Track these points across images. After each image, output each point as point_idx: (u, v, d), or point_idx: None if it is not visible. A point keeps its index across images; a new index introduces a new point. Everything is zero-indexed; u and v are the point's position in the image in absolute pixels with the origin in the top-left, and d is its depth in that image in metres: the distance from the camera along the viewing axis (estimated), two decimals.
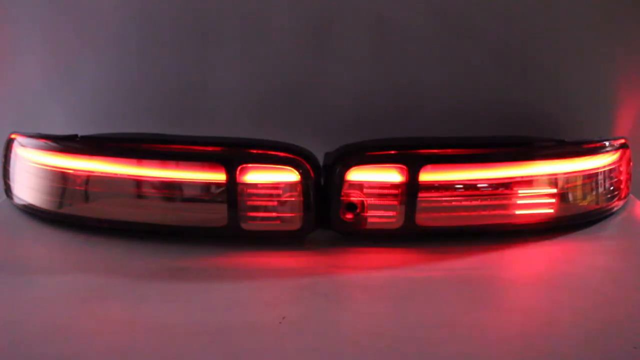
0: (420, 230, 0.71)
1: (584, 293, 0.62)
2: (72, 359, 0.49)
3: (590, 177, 0.77)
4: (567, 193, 0.75)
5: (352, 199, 0.70)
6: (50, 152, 0.75)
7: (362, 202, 0.70)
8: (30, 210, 0.79)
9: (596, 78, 1.00)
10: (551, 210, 0.74)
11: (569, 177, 0.75)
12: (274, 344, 0.51)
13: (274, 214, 0.70)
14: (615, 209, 0.82)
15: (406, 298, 0.60)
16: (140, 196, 0.72)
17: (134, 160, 0.71)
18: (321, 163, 0.71)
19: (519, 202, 0.73)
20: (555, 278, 0.65)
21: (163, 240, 0.72)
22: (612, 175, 0.79)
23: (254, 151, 0.69)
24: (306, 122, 1.02)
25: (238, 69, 1.00)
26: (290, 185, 0.69)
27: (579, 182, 0.76)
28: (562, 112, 1.01)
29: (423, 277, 0.64)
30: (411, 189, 0.69)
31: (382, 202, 0.70)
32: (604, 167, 0.78)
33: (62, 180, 0.74)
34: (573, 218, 0.77)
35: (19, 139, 0.80)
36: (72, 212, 0.75)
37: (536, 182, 0.73)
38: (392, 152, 0.70)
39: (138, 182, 0.71)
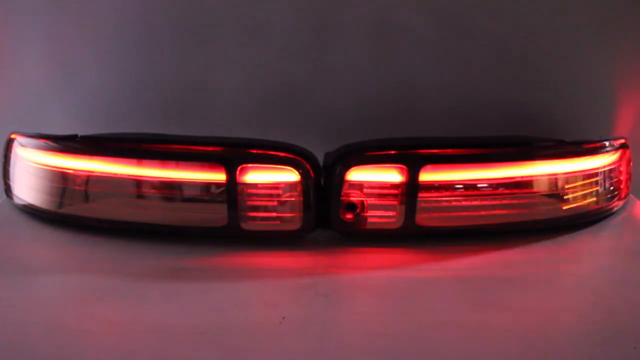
0: (420, 230, 0.71)
1: (584, 293, 0.62)
2: (72, 359, 0.49)
3: (590, 177, 0.77)
4: (567, 193, 0.75)
5: (352, 199, 0.70)
6: (50, 152, 0.75)
7: (362, 202, 0.70)
8: (30, 210, 0.79)
9: (596, 78, 1.00)
10: (551, 210, 0.74)
11: (569, 177, 0.75)
12: (274, 344, 0.51)
13: (274, 214, 0.70)
14: (615, 209, 0.82)
15: (406, 298, 0.60)
16: (140, 196, 0.72)
17: (134, 160, 0.71)
18: (321, 163, 0.71)
19: (518, 202, 0.73)
20: (555, 278, 0.65)
21: (163, 240, 0.72)
22: (612, 175, 0.79)
23: (254, 151, 0.69)
24: (306, 122, 1.02)
25: (238, 69, 1.00)
26: (290, 185, 0.69)
27: (579, 182, 0.76)
28: (562, 112, 1.01)
29: (423, 277, 0.64)
30: (411, 189, 0.69)
31: (382, 202, 0.70)
32: (604, 167, 0.78)
33: (62, 180, 0.74)
34: (573, 218, 0.77)
35: (19, 139, 0.80)
36: (72, 212, 0.75)
37: (536, 182, 0.73)
38: (392, 152, 0.70)
39: (138, 182, 0.71)
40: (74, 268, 0.67)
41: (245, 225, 0.70)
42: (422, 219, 0.70)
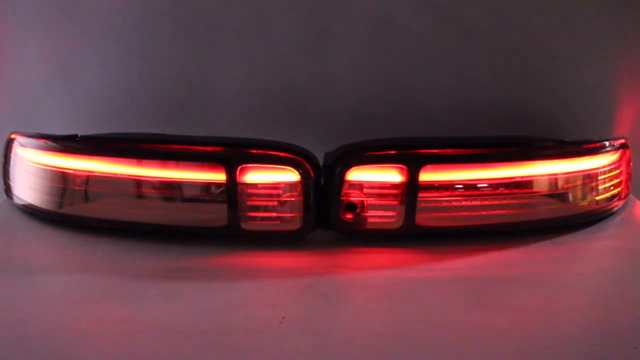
0: (420, 230, 0.71)
1: (584, 293, 0.62)
2: (72, 359, 0.49)
3: (590, 177, 0.77)
4: (567, 193, 0.75)
5: (352, 199, 0.70)
6: (50, 152, 0.75)
7: (362, 202, 0.70)
8: (30, 210, 0.79)
9: (596, 78, 1.00)
10: (551, 210, 0.74)
11: (569, 177, 0.75)
12: (274, 344, 0.51)
13: (274, 214, 0.70)
14: (615, 209, 0.82)
15: (406, 298, 0.60)
16: (140, 196, 0.72)
17: (134, 160, 0.71)
18: (321, 163, 0.71)
19: (518, 202, 0.73)
20: (555, 278, 0.65)
21: (163, 240, 0.72)
22: (612, 175, 0.79)
23: (254, 151, 0.69)
24: (306, 122, 1.02)
25: (238, 69, 1.00)
26: (290, 185, 0.69)
27: (579, 182, 0.76)
28: (562, 112, 1.01)
29: (423, 277, 0.64)
30: (411, 189, 0.69)
31: (382, 202, 0.70)
32: (604, 167, 0.78)
33: (62, 180, 0.74)
34: (573, 218, 0.77)
35: (19, 139, 0.80)
36: (72, 212, 0.75)
37: (536, 182, 0.73)
38: (392, 152, 0.70)
39: (138, 182, 0.71)
40: (74, 268, 0.67)
41: (245, 225, 0.70)
42: (422, 219, 0.70)
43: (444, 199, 0.71)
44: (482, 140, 0.79)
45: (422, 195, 0.69)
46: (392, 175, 0.69)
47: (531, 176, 0.73)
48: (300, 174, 0.68)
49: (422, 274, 0.65)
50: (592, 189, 0.77)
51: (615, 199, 0.81)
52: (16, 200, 0.81)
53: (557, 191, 0.75)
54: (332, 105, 1.01)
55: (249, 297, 0.60)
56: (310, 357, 0.50)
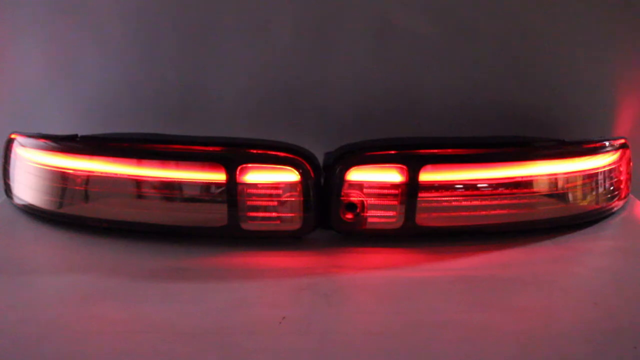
0: (420, 230, 0.71)
1: (584, 293, 0.62)
2: (72, 359, 0.49)
3: (590, 177, 0.77)
4: (567, 193, 0.75)
5: (352, 199, 0.70)
6: (50, 152, 0.75)
7: (362, 202, 0.70)
8: (30, 210, 0.79)
9: (596, 78, 1.00)
10: (551, 210, 0.74)
11: (569, 177, 0.75)
12: (274, 344, 0.51)
13: (273, 214, 0.70)
14: (615, 209, 0.82)
15: (406, 298, 0.60)
16: (140, 196, 0.72)
17: (134, 160, 0.71)
18: (321, 163, 0.71)
19: (518, 202, 0.73)
20: (555, 278, 0.65)
21: (163, 240, 0.72)
22: (612, 175, 0.79)
23: (254, 151, 0.69)
24: (306, 122, 1.02)
25: (238, 69, 1.00)
26: (290, 185, 0.69)
27: (579, 182, 0.76)
28: (562, 112, 1.01)
29: (423, 277, 0.65)
30: (411, 189, 0.69)
31: (382, 202, 0.70)
32: (604, 167, 0.78)
33: (62, 180, 0.74)
34: (573, 218, 0.77)
35: (19, 139, 0.80)
36: (72, 212, 0.75)
37: (536, 182, 0.73)
38: (392, 152, 0.70)
39: (138, 182, 0.71)
40: (74, 268, 0.67)
41: (245, 225, 0.70)
42: (422, 219, 0.70)
43: (444, 199, 0.71)
44: (482, 140, 0.79)
45: (422, 195, 0.69)
46: (392, 175, 0.69)
47: (531, 176, 0.73)
48: (300, 174, 0.68)
49: (422, 274, 0.65)
50: (592, 189, 0.77)
51: (615, 199, 0.81)
52: (16, 200, 0.81)
53: (557, 191, 0.75)
54: (332, 105, 1.01)
55: (249, 297, 0.60)
56: (310, 357, 0.50)
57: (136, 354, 0.50)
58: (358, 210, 0.70)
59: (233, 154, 0.69)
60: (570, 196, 0.76)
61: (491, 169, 0.72)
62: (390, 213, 0.70)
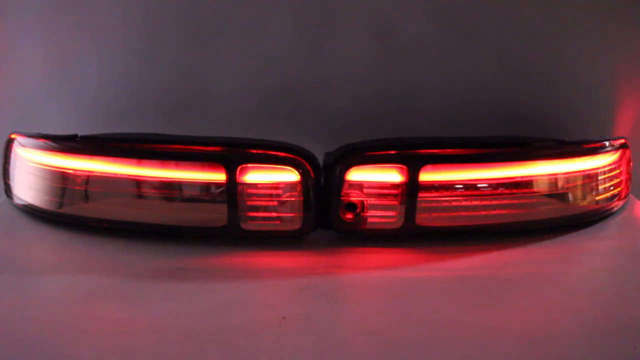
0: (420, 230, 0.71)
1: (584, 293, 0.62)
2: (72, 359, 0.49)
3: (590, 177, 0.77)
4: (567, 193, 0.75)
5: (352, 199, 0.70)
6: (50, 152, 0.75)
7: (362, 202, 0.70)
8: (30, 210, 0.79)
9: (596, 78, 1.00)
10: (551, 210, 0.74)
11: (569, 177, 0.75)
12: (274, 344, 0.51)
13: (273, 214, 0.70)
14: (615, 209, 0.82)
15: (406, 298, 0.60)
16: (140, 196, 0.72)
17: (134, 160, 0.71)
18: (321, 163, 0.71)
19: (518, 202, 0.73)
20: (555, 278, 0.65)
21: (163, 240, 0.72)
22: (612, 175, 0.79)
23: (254, 151, 0.69)
24: (306, 122, 1.02)
25: (238, 69, 1.00)
26: (290, 185, 0.69)
27: (579, 182, 0.76)
28: (562, 112, 1.01)
29: (423, 277, 0.64)
30: (411, 189, 0.69)
31: (382, 202, 0.70)
32: (604, 167, 0.78)
33: (62, 180, 0.74)
34: (573, 218, 0.77)
35: (19, 139, 0.80)
36: (72, 212, 0.75)
37: (536, 182, 0.73)
38: (392, 152, 0.70)
39: (138, 182, 0.71)
40: (74, 268, 0.67)
41: (245, 225, 0.70)
42: (422, 219, 0.70)
43: (444, 199, 0.71)
44: (482, 140, 0.79)
45: (422, 195, 0.69)
46: (392, 175, 0.69)
47: (531, 176, 0.73)
48: (300, 174, 0.68)
49: (422, 274, 0.65)
50: (592, 189, 0.77)
51: (615, 199, 0.81)
52: (16, 200, 0.81)
53: (557, 191, 0.75)
54: (332, 105, 1.01)
55: (249, 297, 0.60)
56: (310, 357, 0.50)
57: (136, 354, 0.50)
58: (358, 210, 0.70)
59: (233, 154, 0.69)
60: (570, 196, 0.76)
61: (491, 169, 0.72)
62: (390, 213, 0.70)
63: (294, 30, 0.98)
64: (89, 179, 0.73)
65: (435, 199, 0.70)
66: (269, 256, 0.69)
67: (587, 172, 0.76)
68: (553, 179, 0.74)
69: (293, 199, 0.69)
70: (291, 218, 0.70)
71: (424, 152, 0.70)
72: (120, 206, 0.73)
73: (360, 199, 0.70)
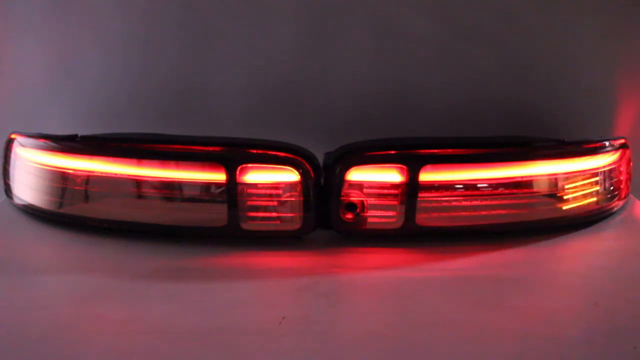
0: (420, 230, 0.71)
1: (584, 293, 0.62)
2: (72, 359, 0.49)
3: (590, 177, 0.77)
4: (567, 193, 0.75)
5: (352, 199, 0.70)
6: (50, 152, 0.75)
7: (362, 202, 0.70)
8: (30, 210, 0.79)
9: (596, 78, 1.00)
10: (551, 210, 0.74)
11: (569, 177, 0.75)
12: (274, 344, 0.51)
13: (273, 214, 0.70)
14: (615, 209, 0.82)
15: (406, 298, 0.60)
16: (140, 196, 0.72)
17: (134, 160, 0.71)
18: (321, 163, 0.71)
19: (518, 202, 0.73)
20: (555, 278, 0.65)
21: (163, 240, 0.72)
22: (612, 175, 0.79)
23: (254, 151, 0.69)
24: (306, 122, 1.02)
25: (238, 69, 1.00)
26: (290, 185, 0.69)
27: (579, 182, 0.76)
28: (562, 112, 1.01)
29: (423, 277, 0.64)
30: (411, 189, 0.69)
31: (382, 202, 0.70)
32: (604, 167, 0.78)
33: (62, 180, 0.74)
34: (573, 218, 0.77)
35: (19, 139, 0.80)
36: (72, 212, 0.75)
37: (536, 182, 0.73)
38: (392, 152, 0.70)
39: (138, 182, 0.71)
40: (74, 268, 0.67)
41: (245, 225, 0.70)
42: (422, 219, 0.70)
43: (444, 199, 0.71)
44: (482, 140, 0.79)
45: (422, 195, 0.69)
46: (392, 175, 0.69)
47: (531, 176, 0.73)
48: (300, 174, 0.68)
49: (422, 274, 0.65)
50: (592, 189, 0.77)
51: (615, 199, 0.81)
52: (16, 200, 0.81)
53: (557, 191, 0.75)
54: (332, 105, 1.01)
55: (249, 297, 0.60)
56: (310, 357, 0.50)
57: (136, 354, 0.50)
58: (358, 210, 0.70)
59: (233, 154, 0.69)
60: (570, 196, 0.76)
61: (491, 169, 0.72)
62: (390, 213, 0.70)
63: (294, 30, 0.98)
64: (89, 179, 0.73)
65: (435, 199, 0.70)
66: (269, 256, 0.69)
67: (587, 172, 0.76)
68: (553, 179, 0.74)
69: (293, 199, 0.69)
70: (291, 218, 0.70)
71: (424, 152, 0.70)
72: (121, 206, 0.73)
73: (360, 199, 0.70)
